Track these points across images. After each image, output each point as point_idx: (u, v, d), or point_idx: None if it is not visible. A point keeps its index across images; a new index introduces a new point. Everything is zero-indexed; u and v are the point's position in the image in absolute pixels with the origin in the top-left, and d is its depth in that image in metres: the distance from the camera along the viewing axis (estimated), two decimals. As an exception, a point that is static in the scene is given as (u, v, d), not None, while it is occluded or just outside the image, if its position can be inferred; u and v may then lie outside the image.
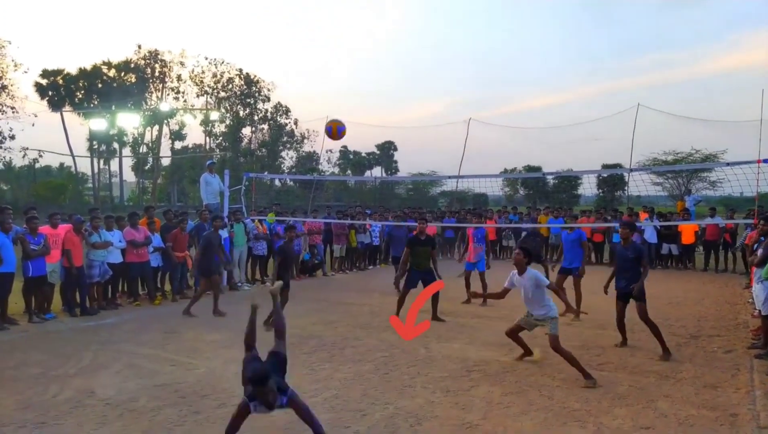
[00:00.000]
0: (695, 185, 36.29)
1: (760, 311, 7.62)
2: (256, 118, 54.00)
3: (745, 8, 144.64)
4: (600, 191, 39.97)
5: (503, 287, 6.99)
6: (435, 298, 9.51)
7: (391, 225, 15.05)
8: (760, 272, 7.52)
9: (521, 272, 6.67)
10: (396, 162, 63.37)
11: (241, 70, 53.09)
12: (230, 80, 52.87)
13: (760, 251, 7.82)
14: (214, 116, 51.38)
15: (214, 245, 10.31)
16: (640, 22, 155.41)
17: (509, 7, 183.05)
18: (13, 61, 40.90)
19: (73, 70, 48.74)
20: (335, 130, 11.15)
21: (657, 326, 7.45)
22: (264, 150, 53.66)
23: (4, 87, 40.58)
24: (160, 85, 52.82)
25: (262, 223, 14.27)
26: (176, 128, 53.49)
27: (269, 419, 5.21)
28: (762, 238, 8.54)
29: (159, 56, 51.64)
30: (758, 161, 10.25)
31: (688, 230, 16.62)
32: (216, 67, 52.46)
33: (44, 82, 47.67)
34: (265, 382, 4.15)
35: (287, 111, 54.45)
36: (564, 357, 6.41)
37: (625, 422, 5.18)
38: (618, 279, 7.72)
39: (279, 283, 6.70)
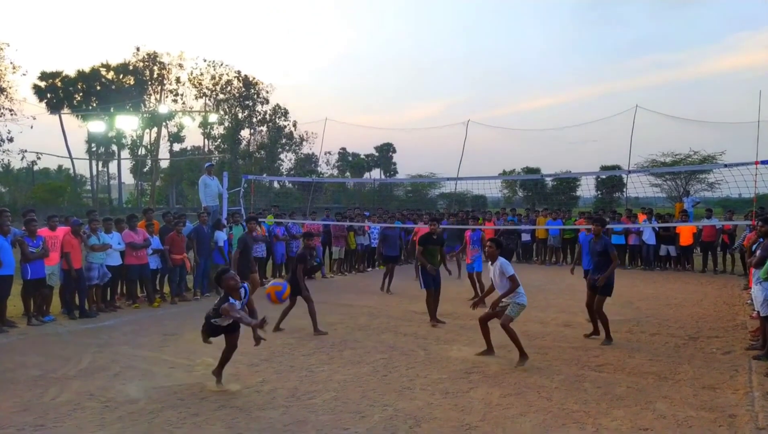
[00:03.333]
0: (693, 186, 36.27)
1: (758, 312, 7.64)
2: (254, 120, 53.88)
3: (743, 10, 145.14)
4: (599, 192, 39.90)
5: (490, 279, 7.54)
6: (435, 301, 9.50)
7: (384, 226, 15.06)
8: (758, 274, 7.54)
9: (493, 261, 7.34)
10: (395, 164, 63.40)
11: (239, 72, 53.01)
12: (229, 82, 52.75)
13: (758, 253, 7.83)
14: (213, 118, 51.21)
15: (250, 246, 10.45)
16: (639, 24, 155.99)
17: (508, 9, 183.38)
18: (11, 63, 40.68)
19: (71, 73, 48.62)
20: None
21: (607, 319, 8.17)
22: (263, 152, 53.55)
23: (2, 89, 40.42)
24: (159, 88, 52.68)
25: (261, 225, 14.27)
26: (175, 130, 53.36)
27: (268, 420, 5.22)
28: (760, 239, 8.55)
29: (157, 58, 51.50)
30: (756, 163, 10.29)
31: (686, 232, 16.63)
32: (214, 69, 52.34)
33: (42, 84, 47.55)
34: (227, 270, 5.94)
35: (286, 113, 54.36)
36: (508, 334, 7.03)
37: (624, 423, 5.19)
38: (592, 271, 8.44)
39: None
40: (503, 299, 7.23)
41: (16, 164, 47.18)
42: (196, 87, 52.40)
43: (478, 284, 11.32)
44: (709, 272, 16.33)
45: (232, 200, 14.48)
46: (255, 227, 10.96)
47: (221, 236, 12.31)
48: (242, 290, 6.03)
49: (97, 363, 7.06)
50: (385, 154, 62.26)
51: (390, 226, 14.55)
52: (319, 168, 52.54)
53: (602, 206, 32.97)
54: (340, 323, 9.54)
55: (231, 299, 5.84)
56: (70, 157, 48.28)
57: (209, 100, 53.09)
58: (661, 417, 5.35)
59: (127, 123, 48.71)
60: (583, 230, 10.92)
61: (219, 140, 53.27)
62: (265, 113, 54.06)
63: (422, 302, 9.83)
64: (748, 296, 10.71)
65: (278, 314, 8.81)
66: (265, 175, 37.95)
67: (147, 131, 52.57)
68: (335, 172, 58.11)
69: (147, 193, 54.50)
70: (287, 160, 55.63)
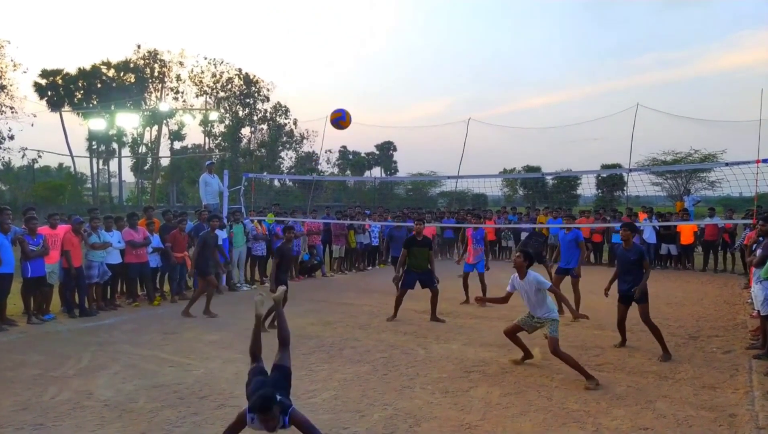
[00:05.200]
0: (694, 185, 36.26)
1: (758, 311, 7.63)
2: (255, 118, 53.86)
3: (745, 8, 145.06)
4: (599, 191, 39.83)
5: (506, 291, 6.92)
6: (434, 299, 9.54)
7: (392, 225, 15.01)
8: (759, 273, 7.53)
9: (522, 275, 6.59)
10: (395, 162, 63.41)
11: (240, 70, 52.99)
12: (229, 80, 52.74)
13: (759, 252, 7.82)
14: (214, 116, 51.18)
15: (210, 245, 10.29)
16: (640, 22, 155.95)
17: (510, 7, 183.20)
18: (12, 60, 40.77)
19: (72, 70, 48.64)
20: (340, 121, 10.80)
21: (658, 328, 7.45)
22: (263, 150, 53.52)
23: (3, 87, 40.44)
24: (160, 85, 52.68)
25: (261, 223, 14.27)
26: (175, 128, 53.35)
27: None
28: (761, 238, 8.54)
29: (158, 56, 51.50)
30: (757, 161, 10.26)
31: (687, 231, 16.63)
32: (215, 67, 52.35)
33: (43, 82, 47.54)
34: (269, 408, 3.83)
35: (286, 111, 54.34)
36: (564, 360, 6.36)
37: (624, 422, 5.18)
38: (620, 282, 7.66)
39: (282, 288, 5.92)
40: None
41: (17, 162, 47.19)
42: (196, 85, 52.43)
43: (480, 285, 11.02)
44: (709, 271, 16.33)
45: (233, 199, 14.47)
46: (217, 225, 10.77)
47: (220, 234, 12.29)
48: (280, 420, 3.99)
49: (97, 362, 7.06)
50: (385, 152, 62.27)
51: (397, 225, 14.48)
52: (319, 166, 52.52)
53: (603, 204, 32.98)
54: (340, 322, 9.53)
55: (251, 414, 3.92)
56: (71, 155, 48.37)
57: (210, 98, 53.13)
58: (661, 416, 5.34)
59: (128, 121, 48.78)
60: (562, 229, 10.70)
61: (220, 138, 53.28)
62: (266, 111, 54.09)
63: (422, 301, 9.85)
64: (748, 295, 10.70)
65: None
66: (265, 173, 37.98)
67: (148, 128, 52.60)
68: (336, 170, 58.12)
69: (147, 191, 54.48)
70: (288, 158, 55.64)
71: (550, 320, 6.50)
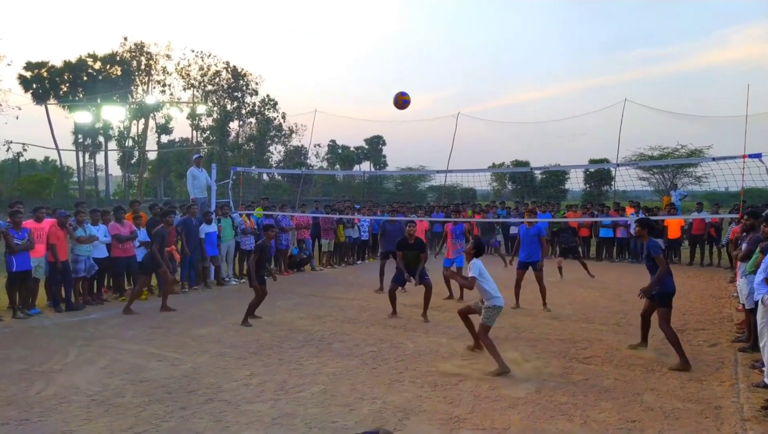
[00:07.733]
0: (681, 180, 36.57)
1: (744, 305, 7.71)
2: (243, 111, 53.55)
3: (733, 5, 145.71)
4: (587, 186, 40.21)
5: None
6: (427, 295, 9.43)
7: (385, 219, 14.91)
8: (744, 267, 7.60)
9: (468, 260, 7.13)
10: (384, 156, 63.36)
11: (228, 63, 52.61)
12: (217, 73, 52.32)
13: (744, 246, 7.90)
14: (201, 109, 50.76)
15: (167, 243, 10.32)
16: (629, 18, 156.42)
17: (498, 2, 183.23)
18: (-5, 53, 40.29)
19: (57, 63, 47.95)
20: (401, 101, 11.71)
21: (677, 336, 6.98)
22: (251, 144, 53.27)
23: (-14, 79, 39.95)
24: (146, 78, 52.15)
25: (250, 217, 14.20)
26: (162, 121, 52.91)
27: (256, 413, 5.20)
28: (745, 233, 8.61)
29: (145, 49, 51.03)
30: (743, 156, 10.35)
31: (674, 225, 16.76)
32: (203, 60, 51.90)
33: (28, 74, 46.89)
34: None
35: (275, 105, 54.12)
36: (486, 347, 6.62)
37: (612, 415, 5.22)
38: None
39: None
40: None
41: (2, 155, 46.77)
42: (184, 78, 51.95)
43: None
44: (696, 265, 16.48)
45: (221, 193, 14.37)
46: (171, 221, 10.65)
47: (204, 229, 12.21)
48: None
49: (84, 357, 7.00)
50: (374, 146, 62.19)
51: (391, 219, 14.41)
52: (308, 160, 52.37)
53: (590, 199, 33.21)
54: (329, 315, 9.52)
55: None
56: (57, 148, 47.78)
57: (197, 91, 52.71)
58: (649, 409, 5.38)
59: (114, 114, 48.20)
60: (523, 223, 10.62)
61: (207, 132, 52.92)
62: (254, 104, 53.81)
63: (410, 296, 9.85)
64: (734, 289, 10.82)
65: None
66: (254, 167, 37.71)
67: (134, 122, 52.12)
68: (325, 164, 58.02)
69: (134, 185, 54.07)
70: (276, 152, 55.48)
71: (485, 308, 6.76)
